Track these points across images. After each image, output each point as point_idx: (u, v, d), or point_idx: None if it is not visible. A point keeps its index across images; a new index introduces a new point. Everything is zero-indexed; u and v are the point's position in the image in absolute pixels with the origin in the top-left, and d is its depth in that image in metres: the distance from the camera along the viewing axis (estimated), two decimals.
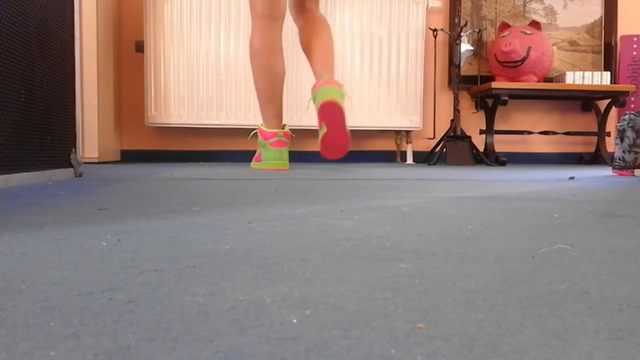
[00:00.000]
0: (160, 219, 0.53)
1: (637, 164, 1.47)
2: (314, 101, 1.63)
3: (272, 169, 1.65)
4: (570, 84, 2.35)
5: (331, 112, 1.57)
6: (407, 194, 0.82)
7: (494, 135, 2.50)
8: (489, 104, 2.52)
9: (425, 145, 2.57)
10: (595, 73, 2.38)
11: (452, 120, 2.36)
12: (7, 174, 0.88)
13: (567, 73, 2.38)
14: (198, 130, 2.47)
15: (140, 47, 2.29)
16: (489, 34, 2.58)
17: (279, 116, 1.73)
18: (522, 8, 2.60)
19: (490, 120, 2.49)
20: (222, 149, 2.49)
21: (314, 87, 1.62)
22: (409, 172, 1.52)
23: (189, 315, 0.24)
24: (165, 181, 1.07)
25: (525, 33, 2.36)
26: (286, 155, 1.69)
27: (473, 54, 2.55)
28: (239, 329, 0.22)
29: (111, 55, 2.22)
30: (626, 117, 1.50)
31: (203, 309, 0.24)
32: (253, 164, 1.78)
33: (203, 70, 2.27)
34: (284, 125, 1.75)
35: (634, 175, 1.46)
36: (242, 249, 0.38)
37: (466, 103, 2.60)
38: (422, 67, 2.41)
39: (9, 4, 0.89)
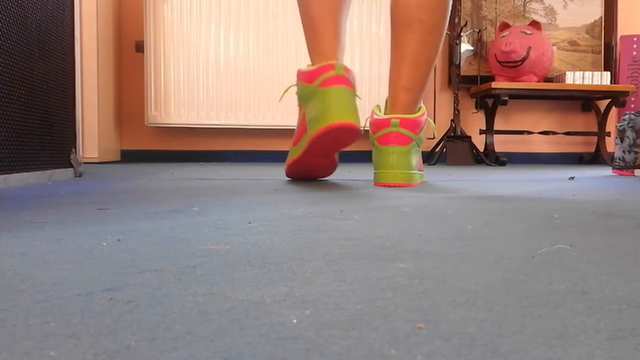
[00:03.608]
0: (160, 219, 0.53)
1: (637, 164, 1.47)
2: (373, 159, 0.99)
3: (329, 126, 0.90)
4: (570, 84, 2.35)
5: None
6: (407, 194, 0.82)
7: (494, 135, 2.50)
8: (489, 104, 2.52)
9: (425, 145, 2.57)
10: (595, 73, 2.38)
11: (452, 120, 2.36)
12: (7, 174, 0.88)
13: (567, 73, 2.38)
14: (198, 130, 2.47)
15: (140, 47, 2.29)
16: (489, 34, 2.58)
17: (339, 39, 1.00)
18: (522, 8, 2.60)
19: (490, 120, 2.49)
20: (222, 149, 2.49)
21: (375, 126, 0.98)
22: None
23: (189, 315, 0.24)
24: (165, 181, 1.07)
25: (525, 33, 2.36)
26: (352, 102, 0.93)
27: (473, 54, 2.55)
28: (239, 329, 0.22)
29: (111, 55, 2.22)
30: (626, 117, 1.50)
31: (203, 309, 0.24)
32: (292, 151, 1.05)
33: (203, 70, 2.27)
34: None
35: (634, 175, 1.46)
36: (242, 249, 0.38)
37: (466, 103, 2.60)
38: None
39: (9, 4, 0.89)
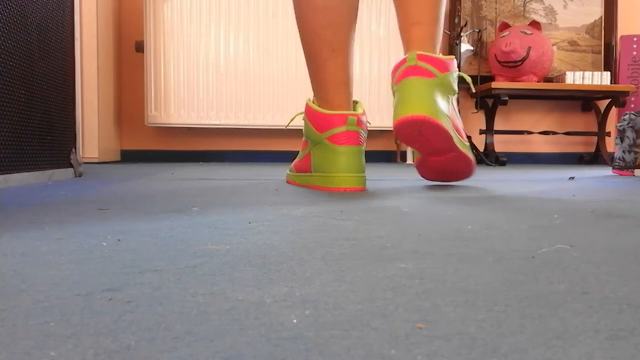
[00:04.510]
0: (160, 219, 0.53)
1: (637, 164, 1.47)
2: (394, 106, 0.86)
3: (335, 189, 0.87)
4: (570, 84, 2.35)
5: (418, 136, 0.85)
6: (407, 194, 0.82)
7: (494, 135, 2.50)
8: (489, 104, 2.52)
9: None
10: (595, 73, 2.38)
11: None
12: (7, 174, 0.88)
13: (567, 73, 2.38)
14: (198, 130, 2.47)
15: (140, 47, 2.29)
16: (489, 34, 2.58)
17: (345, 84, 0.92)
18: (522, 8, 2.60)
19: (490, 120, 2.49)
20: (222, 149, 2.49)
21: (394, 71, 0.87)
22: (409, 172, 1.52)
23: (189, 315, 0.24)
24: (165, 181, 1.07)
25: (525, 33, 2.36)
26: (361, 162, 0.88)
27: (473, 54, 2.55)
28: (239, 329, 0.22)
29: (111, 55, 2.22)
30: (626, 117, 1.50)
31: (203, 309, 0.24)
32: (293, 176, 1.02)
33: (203, 70, 2.27)
34: (356, 102, 0.95)
35: (634, 175, 1.46)
36: (242, 249, 0.38)
37: (466, 103, 2.60)
38: None
39: (9, 4, 0.89)
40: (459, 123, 0.90)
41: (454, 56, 0.88)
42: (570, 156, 2.71)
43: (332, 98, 0.92)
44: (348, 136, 0.87)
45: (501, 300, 0.26)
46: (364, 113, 0.91)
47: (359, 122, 0.89)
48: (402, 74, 0.84)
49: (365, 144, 0.91)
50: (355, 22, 0.94)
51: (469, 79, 0.97)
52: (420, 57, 0.84)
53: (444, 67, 0.85)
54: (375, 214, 0.58)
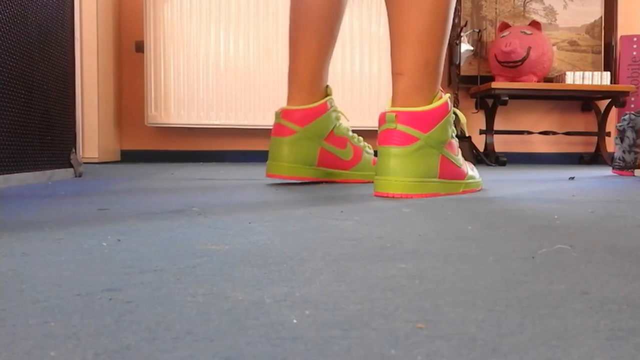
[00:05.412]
0: (160, 219, 0.53)
1: (637, 164, 1.47)
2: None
3: (268, 175, 1.02)
4: (570, 84, 2.35)
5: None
6: None
7: (494, 135, 2.50)
8: (489, 104, 2.52)
9: None
10: (595, 73, 2.38)
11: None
12: (7, 174, 0.88)
13: (567, 73, 2.38)
14: (198, 130, 2.47)
15: (140, 47, 2.29)
16: (489, 34, 2.58)
17: (310, 79, 1.00)
18: (522, 8, 2.60)
19: (490, 120, 2.49)
20: (222, 149, 2.49)
21: (379, 121, 0.81)
22: None
23: (189, 315, 0.24)
24: (165, 181, 1.07)
25: (525, 33, 2.36)
26: (283, 151, 0.99)
27: (473, 54, 2.55)
28: (239, 329, 0.22)
29: (111, 55, 2.22)
30: (626, 117, 1.50)
31: (203, 309, 0.24)
32: None
33: (203, 70, 2.27)
34: (329, 97, 1.03)
35: (634, 175, 1.46)
36: (242, 249, 0.38)
37: (466, 103, 2.60)
38: None
39: (9, 4, 0.89)
40: (448, 163, 0.83)
41: (448, 96, 0.82)
42: (570, 156, 2.71)
43: (290, 89, 1.02)
44: (275, 128, 1.02)
45: (501, 300, 0.26)
46: (309, 109, 1.00)
47: (285, 115, 1.00)
48: (381, 136, 0.80)
49: (298, 134, 1.00)
50: (340, 21, 1.01)
51: (463, 120, 0.93)
52: (401, 118, 0.78)
53: (429, 123, 0.78)
54: (375, 214, 0.58)
